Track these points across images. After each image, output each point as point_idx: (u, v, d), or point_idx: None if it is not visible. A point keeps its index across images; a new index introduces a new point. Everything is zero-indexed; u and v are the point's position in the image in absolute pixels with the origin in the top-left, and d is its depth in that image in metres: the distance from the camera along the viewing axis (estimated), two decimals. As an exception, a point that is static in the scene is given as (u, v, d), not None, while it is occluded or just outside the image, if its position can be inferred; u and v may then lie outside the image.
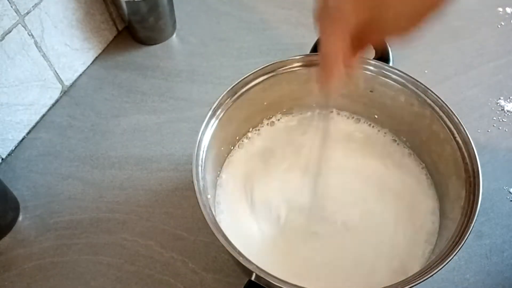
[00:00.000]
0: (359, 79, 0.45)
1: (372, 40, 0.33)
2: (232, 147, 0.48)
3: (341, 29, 0.30)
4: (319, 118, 0.48)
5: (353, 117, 0.50)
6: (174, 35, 0.69)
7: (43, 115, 0.59)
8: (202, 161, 0.39)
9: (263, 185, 0.45)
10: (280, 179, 0.46)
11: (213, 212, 0.36)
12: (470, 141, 0.39)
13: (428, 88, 0.42)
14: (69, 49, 0.60)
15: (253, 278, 0.34)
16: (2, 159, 0.55)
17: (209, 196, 0.38)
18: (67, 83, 0.62)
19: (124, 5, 0.61)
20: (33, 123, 0.58)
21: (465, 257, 0.46)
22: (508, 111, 0.58)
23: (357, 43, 0.31)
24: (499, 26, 0.68)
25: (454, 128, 0.40)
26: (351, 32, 0.30)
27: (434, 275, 0.32)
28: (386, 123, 0.49)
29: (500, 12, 0.71)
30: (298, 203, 0.44)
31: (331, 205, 0.44)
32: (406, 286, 0.32)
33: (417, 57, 0.64)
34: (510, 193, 0.51)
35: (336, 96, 0.38)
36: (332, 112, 0.50)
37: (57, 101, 0.61)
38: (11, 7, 0.49)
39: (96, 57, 0.66)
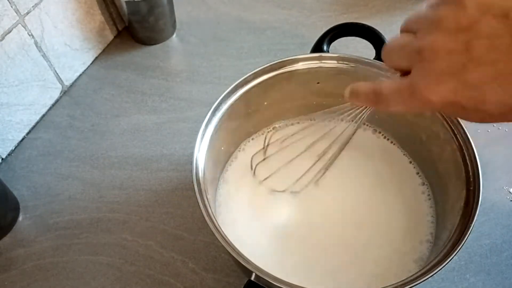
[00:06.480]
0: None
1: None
2: (232, 147, 0.48)
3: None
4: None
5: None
6: (174, 35, 0.69)
7: (43, 115, 0.60)
8: (202, 161, 0.39)
9: (263, 185, 0.45)
10: (280, 179, 0.46)
11: (213, 212, 0.36)
12: (470, 141, 0.38)
13: (428, 88, 0.42)
14: (69, 49, 0.60)
15: (253, 278, 0.34)
16: (2, 159, 0.55)
17: (209, 196, 0.38)
18: (67, 83, 0.62)
19: (124, 5, 0.61)
20: (33, 123, 0.58)
21: (465, 257, 0.46)
22: (508, 111, 0.58)
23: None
24: (499, 26, 0.68)
25: (454, 128, 0.40)
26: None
27: (434, 275, 0.32)
28: (386, 123, 0.49)
29: (500, 12, 0.71)
30: (299, 202, 0.44)
31: (331, 203, 0.44)
32: (406, 286, 0.32)
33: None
34: (510, 193, 0.51)
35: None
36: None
37: (57, 101, 0.61)
38: (11, 7, 0.49)
39: (96, 57, 0.66)
